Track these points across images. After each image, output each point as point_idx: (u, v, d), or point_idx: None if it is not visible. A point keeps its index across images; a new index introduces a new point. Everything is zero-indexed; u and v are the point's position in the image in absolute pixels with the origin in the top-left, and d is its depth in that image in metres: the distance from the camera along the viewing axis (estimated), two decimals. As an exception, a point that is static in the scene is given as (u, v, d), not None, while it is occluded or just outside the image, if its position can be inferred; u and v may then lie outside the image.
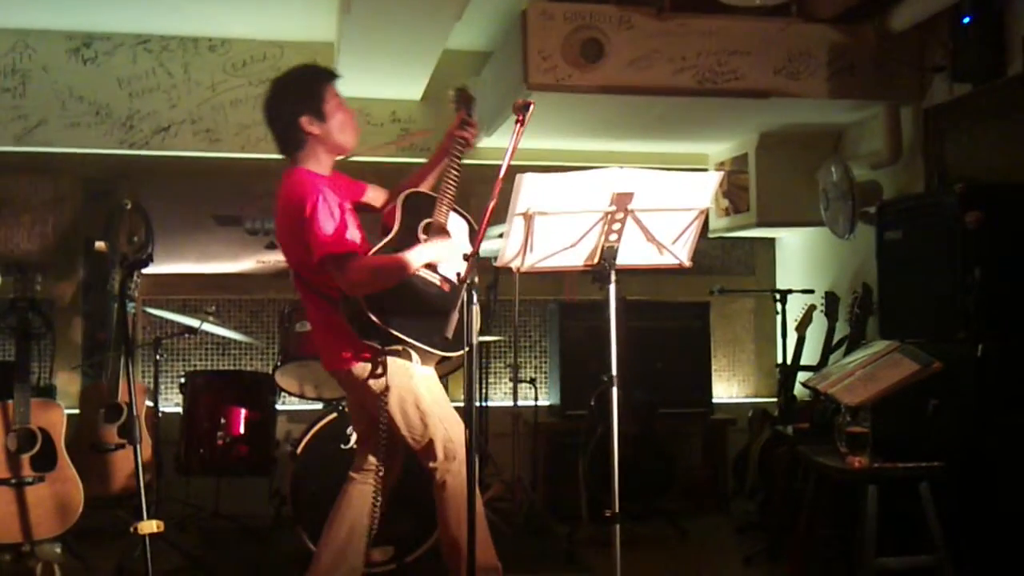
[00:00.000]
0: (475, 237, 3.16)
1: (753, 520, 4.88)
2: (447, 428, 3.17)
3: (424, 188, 3.36)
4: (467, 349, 2.71)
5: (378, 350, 3.07)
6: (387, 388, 3.09)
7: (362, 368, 3.12)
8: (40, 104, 5.18)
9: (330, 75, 3.23)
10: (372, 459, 3.31)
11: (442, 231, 3.18)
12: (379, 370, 3.09)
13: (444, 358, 3.18)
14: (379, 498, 3.27)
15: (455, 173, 3.21)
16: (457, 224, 3.28)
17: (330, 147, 3.19)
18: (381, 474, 3.30)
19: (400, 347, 3.04)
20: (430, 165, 3.40)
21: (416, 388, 3.12)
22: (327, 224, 2.98)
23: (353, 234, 3.05)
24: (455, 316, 2.74)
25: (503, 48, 4.92)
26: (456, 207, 3.26)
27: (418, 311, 3.05)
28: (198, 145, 5.35)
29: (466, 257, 2.72)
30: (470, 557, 2.76)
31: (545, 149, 5.57)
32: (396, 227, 3.17)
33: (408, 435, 3.16)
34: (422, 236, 3.17)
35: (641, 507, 4.73)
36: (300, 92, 3.17)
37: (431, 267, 3.12)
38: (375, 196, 3.42)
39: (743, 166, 5.46)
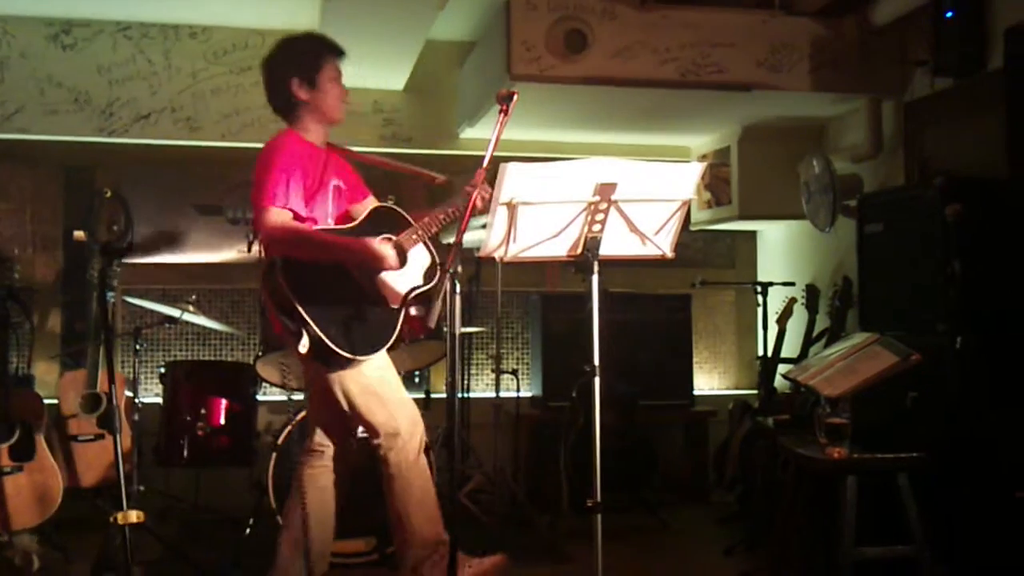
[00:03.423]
0: (432, 275, 3.19)
1: (733, 511, 4.90)
2: (389, 407, 3.18)
3: (425, 226, 3.24)
4: (449, 339, 2.72)
5: None
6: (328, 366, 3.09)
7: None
8: (18, 91, 5.12)
9: (333, 49, 3.24)
10: (319, 440, 3.32)
11: (398, 253, 3.13)
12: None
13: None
14: (332, 481, 3.30)
15: (449, 219, 3.21)
16: (419, 257, 3.24)
17: (318, 116, 3.19)
18: (331, 454, 3.32)
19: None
20: (439, 213, 3.25)
21: (358, 367, 3.10)
22: (277, 178, 2.99)
23: (296, 203, 3.02)
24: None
25: (486, 38, 4.90)
26: (428, 243, 3.25)
27: (341, 305, 3.02)
28: (178, 133, 5.30)
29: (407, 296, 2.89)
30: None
31: (528, 140, 5.56)
32: (350, 225, 3.18)
33: (349, 412, 3.17)
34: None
35: (622, 498, 4.75)
36: (297, 56, 3.18)
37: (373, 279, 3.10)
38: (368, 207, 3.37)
39: (725, 159, 5.48)
